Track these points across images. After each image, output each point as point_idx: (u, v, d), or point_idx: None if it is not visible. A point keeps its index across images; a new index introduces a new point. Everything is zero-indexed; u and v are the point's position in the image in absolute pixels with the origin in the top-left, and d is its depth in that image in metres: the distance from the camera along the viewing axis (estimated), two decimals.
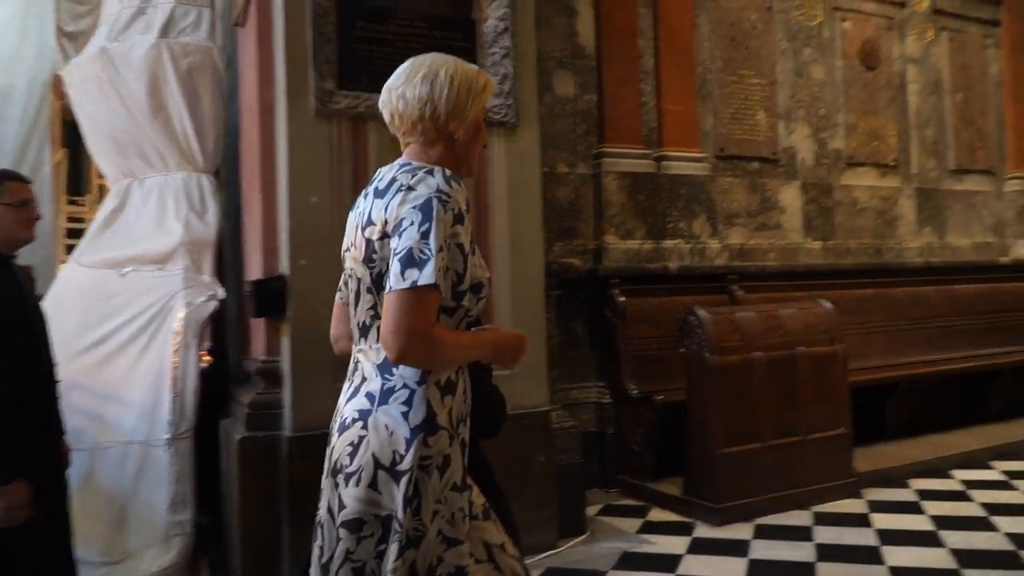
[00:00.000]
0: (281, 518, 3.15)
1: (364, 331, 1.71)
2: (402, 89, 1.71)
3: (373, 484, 1.58)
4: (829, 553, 3.53)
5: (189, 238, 3.78)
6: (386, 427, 1.59)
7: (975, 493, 4.33)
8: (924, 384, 5.50)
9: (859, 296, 5.75)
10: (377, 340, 1.65)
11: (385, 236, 1.61)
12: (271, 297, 3.30)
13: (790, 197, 5.88)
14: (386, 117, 1.77)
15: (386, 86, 1.75)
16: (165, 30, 3.94)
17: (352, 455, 1.61)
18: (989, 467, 4.88)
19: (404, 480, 1.56)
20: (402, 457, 1.57)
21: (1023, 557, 3.39)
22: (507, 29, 3.64)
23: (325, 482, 1.69)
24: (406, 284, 1.52)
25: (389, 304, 1.55)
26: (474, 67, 1.78)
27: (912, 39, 6.51)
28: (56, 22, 4.46)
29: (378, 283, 1.64)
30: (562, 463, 3.79)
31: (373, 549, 1.59)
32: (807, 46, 6.00)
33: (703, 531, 3.89)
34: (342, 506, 1.61)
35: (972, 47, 6.84)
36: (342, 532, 1.61)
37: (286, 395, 3.26)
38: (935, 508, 4.09)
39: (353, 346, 1.76)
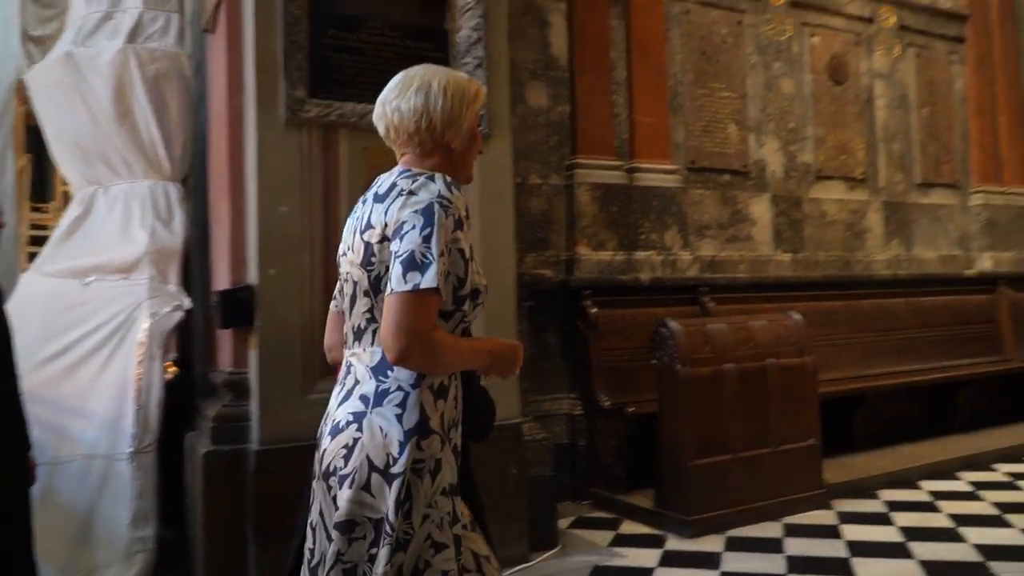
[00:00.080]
0: (247, 534, 3.08)
1: (358, 334, 1.71)
2: (396, 102, 1.74)
3: (366, 486, 1.59)
4: (800, 565, 3.53)
5: (155, 247, 3.71)
6: (380, 429, 1.60)
7: (943, 504, 4.38)
8: (892, 395, 5.56)
9: (828, 308, 5.80)
10: (372, 343, 1.67)
11: (385, 239, 1.63)
12: (239, 307, 3.24)
13: (760, 210, 5.93)
14: (381, 130, 1.80)
15: (379, 100, 1.78)
16: (132, 35, 3.88)
17: (347, 457, 1.61)
18: (956, 478, 4.93)
19: (397, 483, 1.57)
20: (395, 460, 1.58)
21: (991, 568, 3.42)
22: (480, 39, 3.63)
23: (316, 485, 1.70)
24: (408, 287, 1.54)
25: (390, 305, 1.56)
26: (465, 76, 1.81)
27: (879, 54, 6.62)
28: (22, 26, 4.38)
29: (375, 286, 1.65)
30: (534, 476, 3.76)
31: (365, 551, 1.60)
32: (777, 60, 6.07)
33: (675, 544, 3.88)
34: (336, 508, 1.62)
35: (938, 63, 6.96)
36: (334, 534, 1.61)
37: (253, 408, 3.20)
38: (904, 519, 4.12)
39: (346, 350, 1.76)
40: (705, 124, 5.72)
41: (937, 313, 6.37)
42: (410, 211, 1.61)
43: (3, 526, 2.18)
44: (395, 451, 1.58)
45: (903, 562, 3.54)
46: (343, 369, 1.75)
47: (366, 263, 1.67)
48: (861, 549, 3.70)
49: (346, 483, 1.60)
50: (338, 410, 1.69)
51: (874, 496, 4.55)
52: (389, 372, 1.63)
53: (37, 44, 4.35)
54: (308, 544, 1.70)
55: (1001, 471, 5.08)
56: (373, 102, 3.53)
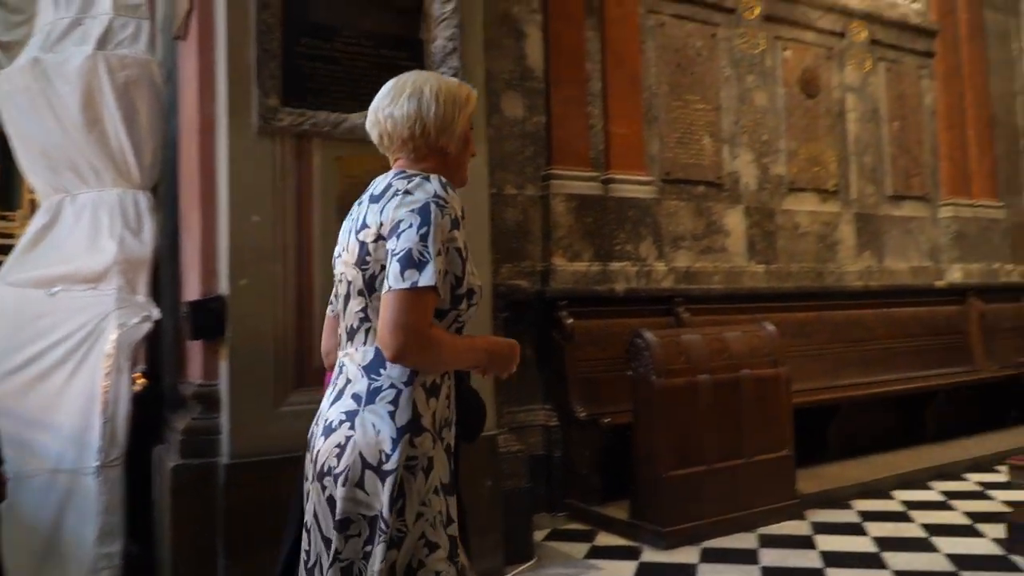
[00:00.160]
0: (216, 549, 3.02)
1: (351, 334, 1.72)
2: (389, 109, 1.75)
3: (360, 483, 1.59)
4: None
5: (124, 256, 3.64)
6: (373, 426, 1.61)
7: (915, 514, 4.41)
8: (864, 405, 5.60)
9: (801, 319, 5.84)
10: (364, 342, 1.68)
11: (380, 238, 1.64)
12: (209, 318, 3.19)
13: (734, 221, 5.97)
14: (374, 138, 1.81)
15: (372, 107, 1.80)
16: (102, 42, 3.82)
17: (340, 456, 1.62)
18: (928, 487, 4.98)
19: (390, 480, 1.58)
20: (388, 457, 1.58)
21: None
22: (455, 49, 3.62)
23: (310, 487, 1.69)
24: (406, 284, 1.56)
25: (388, 303, 1.57)
26: (455, 80, 1.83)
27: (851, 68, 6.70)
28: None
29: (370, 285, 1.66)
30: (509, 488, 3.73)
31: (360, 549, 1.60)
32: (750, 73, 6.12)
33: (650, 555, 3.87)
34: (331, 508, 1.62)
35: (908, 77, 7.07)
36: (332, 533, 1.61)
37: (223, 420, 3.14)
38: (877, 529, 4.14)
39: (339, 351, 1.77)
40: (680, 136, 5.75)
41: (908, 324, 6.44)
42: (406, 210, 1.62)
43: None
44: (388, 448, 1.59)
45: (877, 572, 3.55)
46: (336, 369, 1.76)
47: (360, 262, 1.67)
48: (835, 559, 3.71)
49: (339, 481, 1.60)
50: (330, 410, 1.69)
51: (847, 506, 4.58)
52: (381, 370, 1.64)
53: (5, 50, 4.27)
54: (304, 545, 1.71)
55: (972, 480, 5.14)
56: (347, 111, 3.54)
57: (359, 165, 3.35)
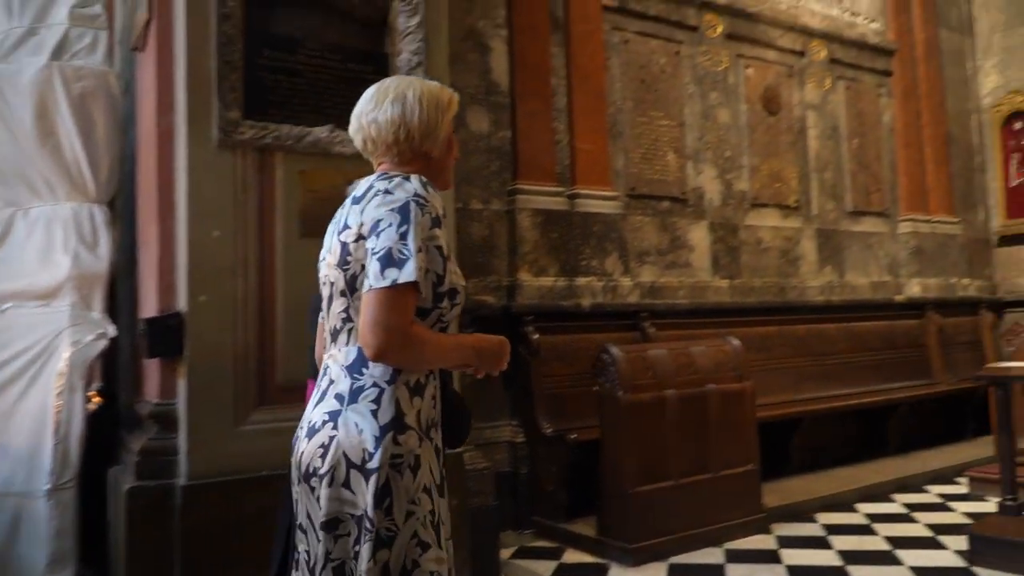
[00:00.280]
0: (174, 574, 2.93)
1: (335, 335, 1.72)
2: (373, 114, 1.75)
3: (345, 483, 1.59)
4: None
5: (78, 272, 3.54)
6: (356, 425, 1.60)
7: (879, 527, 4.44)
8: (827, 418, 5.65)
9: (764, 333, 5.88)
10: (347, 343, 1.68)
11: (360, 238, 1.64)
12: (167, 335, 3.11)
13: (698, 236, 6.00)
14: (358, 143, 1.81)
15: (355, 113, 1.79)
16: (58, 52, 3.74)
17: (324, 456, 1.61)
18: (891, 500, 5.02)
19: (374, 478, 1.57)
20: (371, 455, 1.58)
21: None
22: (420, 63, 3.59)
23: (299, 489, 1.69)
24: (386, 282, 1.55)
25: (368, 301, 1.57)
26: (437, 84, 1.83)
27: (811, 86, 6.81)
28: None
29: (351, 285, 1.66)
30: (475, 505, 3.68)
31: (350, 548, 1.60)
32: (713, 90, 6.19)
33: (617, 572, 3.85)
34: (319, 508, 1.62)
35: (867, 95, 7.20)
36: (320, 534, 1.62)
37: (181, 441, 3.05)
38: (841, 543, 4.16)
39: (325, 354, 1.77)
40: (644, 151, 5.78)
41: (869, 338, 6.52)
42: (386, 209, 1.61)
43: None
44: (370, 446, 1.58)
45: None
46: (320, 372, 1.75)
47: (342, 263, 1.67)
48: (801, 574, 3.72)
49: (324, 481, 1.60)
50: (314, 411, 1.68)
51: (812, 520, 4.60)
52: (364, 370, 1.63)
53: None
54: (303, 547, 1.70)
55: (933, 492, 5.20)
56: (311, 125, 3.50)
57: (322, 179, 3.31)
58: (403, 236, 1.58)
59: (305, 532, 1.69)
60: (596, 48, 5.49)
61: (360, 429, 1.60)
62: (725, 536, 4.20)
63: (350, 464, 1.59)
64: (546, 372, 4.79)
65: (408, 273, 1.55)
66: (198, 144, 3.14)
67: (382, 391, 1.62)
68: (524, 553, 4.23)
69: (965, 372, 6.62)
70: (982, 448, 5.91)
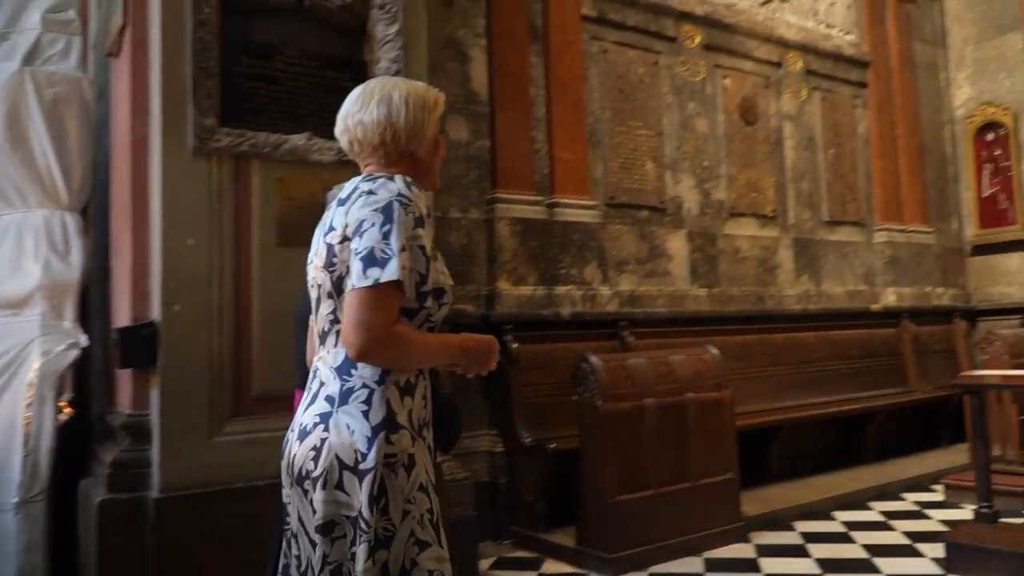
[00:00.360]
0: None
1: (323, 337, 1.72)
2: (359, 115, 1.74)
3: (339, 485, 1.58)
4: None
5: (49, 280, 3.49)
6: (347, 426, 1.59)
7: (857, 535, 4.45)
8: (805, 426, 5.68)
9: (742, 342, 5.90)
10: (335, 345, 1.67)
11: (345, 239, 1.63)
12: (140, 345, 3.06)
13: (677, 245, 6.02)
14: (344, 145, 1.80)
15: (340, 114, 1.78)
16: (30, 57, 3.70)
17: (316, 459, 1.60)
18: (868, 508, 5.04)
19: (368, 479, 1.56)
20: (364, 456, 1.57)
21: None
22: (399, 72, 3.58)
23: (290, 492, 1.68)
24: (368, 282, 1.55)
25: (351, 301, 1.57)
26: (422, 84, 1.81)
27: (787, 97, 6.86)
28: None
29: (338, 286, 1.65)
30: (454, 516, 3.65)
31: (347, 550, 1.59)
32: (691, 100, 6.22)
33: None
34: (314, 511, 1.61)
35: (842, 106, 7.27)
36: (316, 537, 1.60)
37: (154, 453, 3.01)
38: (820, 551, 4.17)
39: (315, 356, 1.76)
40: (623, 161, 5.80)
41: (846, 346, 6.57)
42: (369, 209, 1.61)
43: None
44: (363, 447, 1.57)
45: None
46: (310, 375, 1.74)
47: (328, 265, 1.67)
48: None
49: (318, 484, 1.59)
50: (304, 414, 1.68)
51: (790, 528, 4.61)
52: (353, 371, 1.63)
53: None
54: (294, 552, 1.69)
55: (910, 500, 5.23)
56: (288, 132, 3.47)
57: (300, 187, 3.28)
58: (386, 236, 1.58)
59: (296, 536, 1.68)
60: (575, 58, 5.50)
61: (352, 430, 1.59)
62: (704, 545, 4.19)
63: (343, 466, 1.58)
64: (525, 381, 4.77)
65: (391, 272, 1.55)
66: (173, 151, 3.11)
67: (372, 392, 1.61)
68: (503, 564, 4.20)
69: (940, 380, 6.67)
70: (957, 455, 5.97)
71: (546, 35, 5.39)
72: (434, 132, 1.80)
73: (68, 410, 3.67)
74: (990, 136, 7.78)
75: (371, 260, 1.56)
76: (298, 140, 3.33)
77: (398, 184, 1.66)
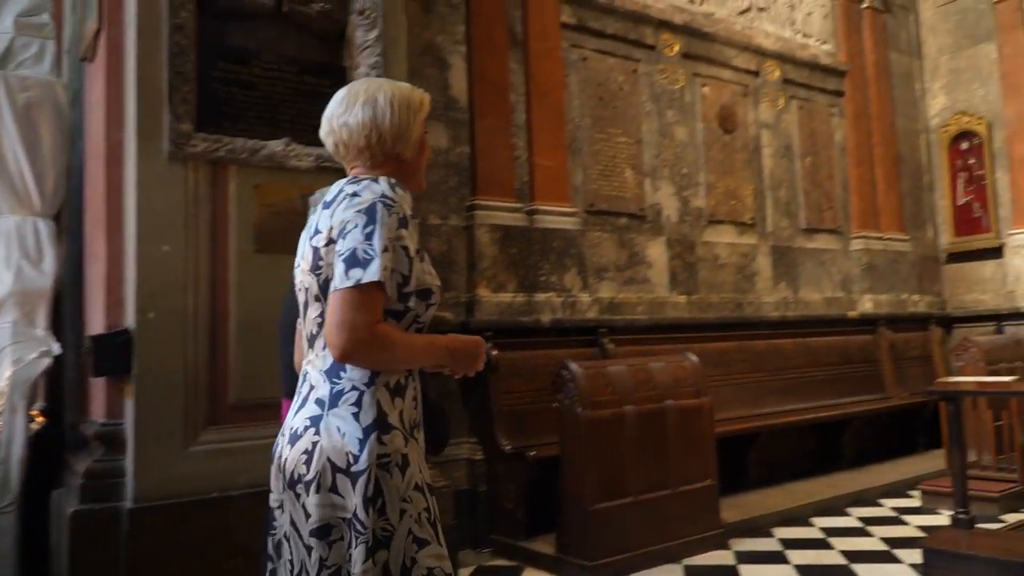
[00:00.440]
0: None
1: (312, 341, 1.71)
2: (344, 117, 1.74)
3: (333, 488, 1.58)
4: None
5: (20, 287, 3.44)
6: (338, 429, 1.59)
7: (835, 541, 4.47)
8: (783, 433, 5.70)
9: (721, 349, 5.93)
10: (324, 348, 1.66)
11: (331, 242, 1.63)
12: (114, 353, 3.02)
13: (656, 252, 6.04)
14: (329, 147, 1.79)
15: (325, 116, 1.77)
16: (2, 62, 3.67)
17: (308, 463, 1.60)
18: (846, 514, 5.07)
19: (361, 480, 1.56)
20: (356, 458, 1.57)
21: None
22: (379, 77, 3.56)
23: (283, 496, 1.67)
24: (350, 282, 1.55)
25: (334, 302, 1.57)
26: (408, 85, 1.81)
27: (765, 106, 6.92)
28: None
29: (324, 289, 1.64)
30: None
31: (344, 553, 1.58)
32: (670, 108, 6.25)
33: None
34: (307, 515, 1.60)
35: (819, 115, 7.34)
36: (312, 541, 1.59)
37: (128, 462, 2.96)
38: (799, 557, 4.18)
39: (304, 360, 1.75)
40: (603, 168, 5.81)
41: (824, 353, 6.61)
42: (353, 211, 1.61)
43: None
44: (354, 449, 1.57)
45: None
46: (300, 378, 1.73)
47: (314, 268, 1.66)
48: None
49: (312, 488, 1.58)
50: (295, 417, 1.67)
51: (769, 534, 4.62)
52: (342, 373, 1.62)
53: None
54: (286, 556, 1.67)
55: (887, 506, 5.26)
56: (266, 138, 3.44)
57: (278, 193, 3.26)
58: (368, 236, 1.57)
59: (289, 539, 1.67)
60: (555, 65, 5.52)
61: (343, 433, 1.58)
62: (684, 552, 4.19)
63: (335, 469, 1.57)
64: (505, 388, 4.75)
65: (372, 272, 1.54)
66: (148, 157, 3.08)
67: (362, 393, 1.60)
68: (483, 572, 4.18)
69: (916, 386, 6.74)
70: (933, 461, 6.03)
71: (526, 42, 5.40)
72: (419, 134, 1.79)
73: (40, 419, 3.61)
74: (965, 145, 7.89)
75: (353, 261, 1.56)
76: (276, 146, 3.30)
77: (382, 186, 1.67)
